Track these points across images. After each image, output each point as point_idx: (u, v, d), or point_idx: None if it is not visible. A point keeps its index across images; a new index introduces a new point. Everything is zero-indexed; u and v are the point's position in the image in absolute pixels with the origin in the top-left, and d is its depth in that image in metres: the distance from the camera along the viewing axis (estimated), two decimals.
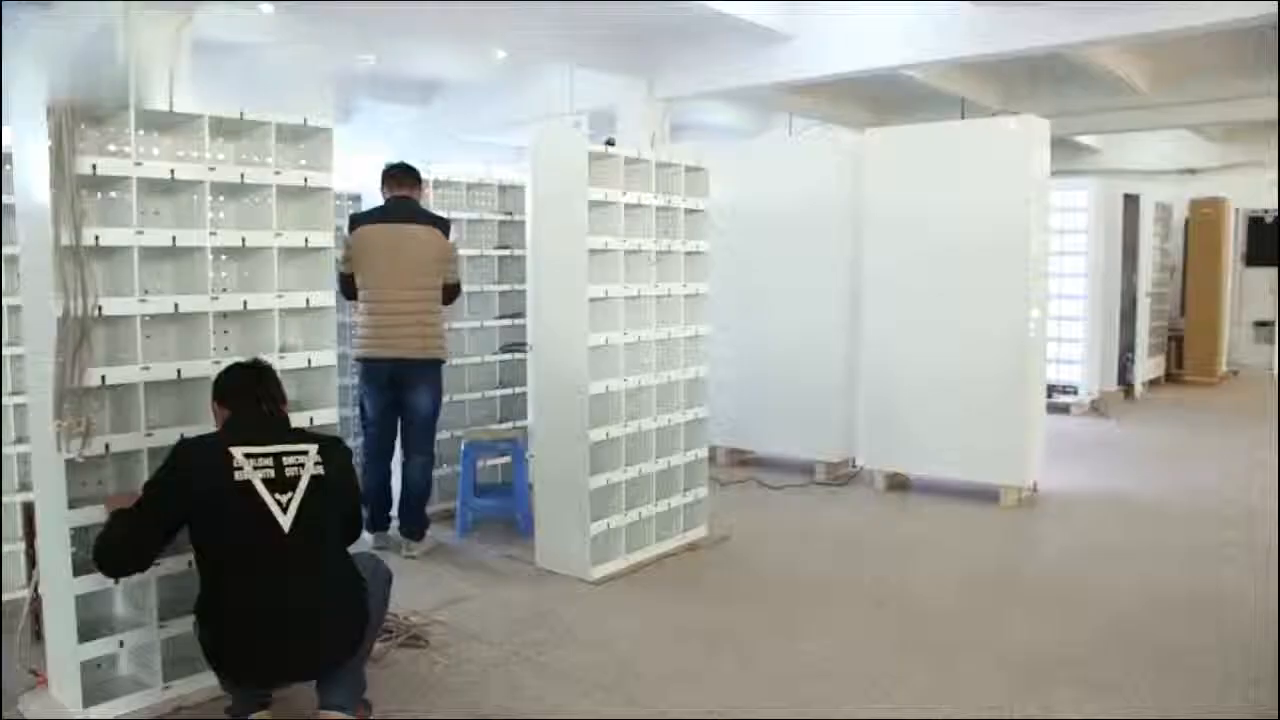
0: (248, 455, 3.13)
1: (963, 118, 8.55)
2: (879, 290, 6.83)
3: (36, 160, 3.28)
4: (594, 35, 9.06)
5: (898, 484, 6.90)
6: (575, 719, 3.49)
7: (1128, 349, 11.03)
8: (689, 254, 5.40)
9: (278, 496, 3.10)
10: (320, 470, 3.22)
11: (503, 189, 6.41)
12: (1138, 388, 11.15)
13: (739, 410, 7.34)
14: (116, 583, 3.43)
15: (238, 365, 3.45)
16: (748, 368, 7.33)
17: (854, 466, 7.32)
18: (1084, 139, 14.07)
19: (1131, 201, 11.01)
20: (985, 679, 3.80)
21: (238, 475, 3.08)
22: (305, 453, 3.23)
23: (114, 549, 3.15)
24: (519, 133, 12.25)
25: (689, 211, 5.39)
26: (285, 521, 3.09)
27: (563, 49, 9.09)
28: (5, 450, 4.80)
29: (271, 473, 3.13)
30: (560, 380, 4.91)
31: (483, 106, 12.00)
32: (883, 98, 11.96)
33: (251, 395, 3.34)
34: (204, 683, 3.47)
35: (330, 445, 3.35)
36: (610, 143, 4.96)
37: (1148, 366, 11.55)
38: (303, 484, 3.16)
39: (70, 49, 7.64)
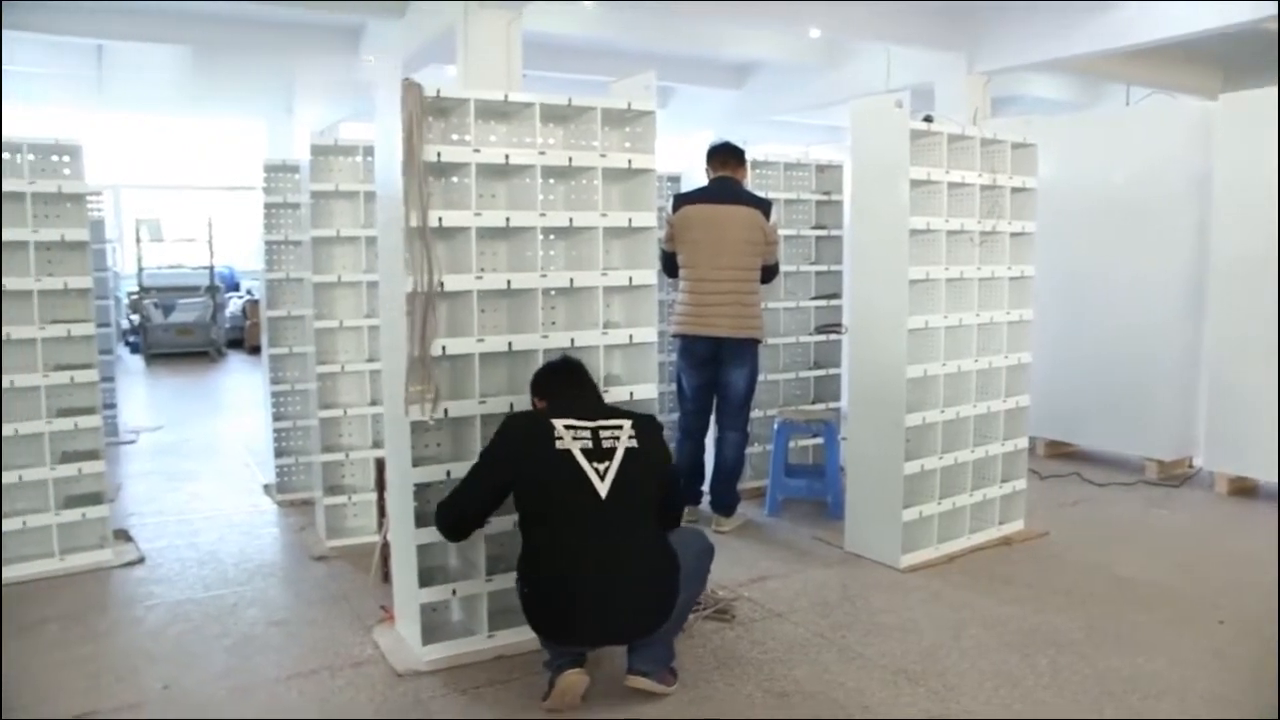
0: (568, 427, 3.31)
1: None
2: (1231, 274, 6.19)
3: (393, 151, 3.59)
4: (911, 10, 8.79)
5: (1242, 489, 6.24)
6: (879, 712, 3.43)
7: None
8: (1015, 235, 5.14)
9: (595, 465, 3.27)
10: (635, 444, 3.35)
11: (820, 169, 6.36)
12: None
13: (1060, 400, 6.93)
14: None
15: (553, 363, 3.67)
16: (1071, 354, 6.90)
17: (1191, 467, 6.72)
18: None
19: None
20: None
21: (558, 444, 3.27)
22: (620, 426, 3.38)
23: (449, 513, 3.46)
24: (833, 112, 12.12)
25: (1015, 190, 5.12)
26: (602, 489, 3.24)
27: (878, 26, 8.89)
28: (362, 410, 5.34)
29: (589, 443, 3.30)
30: (877, 363, 4.82)
31: (796, 86, 11.96)
32: (1238, 59, 10.79)
33: (569, 384, 3.56)
34: (524, 635, 3.67)
35: (644, 421, 3.48)
36: (928, 119, 4.79)
37: None
38: (618, 455, 3.31)
39: (420, 48, 8.35)
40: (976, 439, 5.08)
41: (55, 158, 4.74)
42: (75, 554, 4.79)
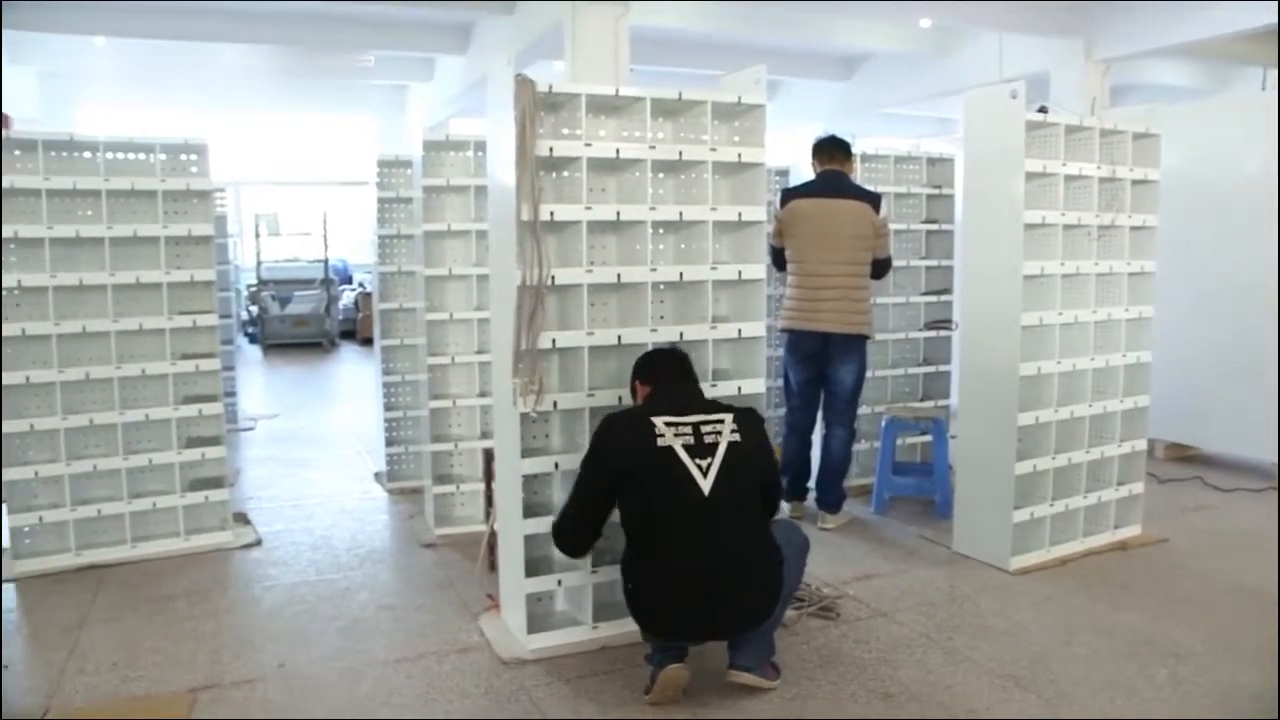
0: (668, 424, 3.31)
1: None
2: None
3: (505, 146, 3.64)
4: None
5: None
6: (987, 716, 3.35)
7: None
8: (1135, 229, 4.97)
9: (698, 461, 3.26)
10: (736, 437, 3.33)
11: (931, 162, 6.26)
12: None
13: (1182, 400, 6.66)
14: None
15: (660, 350, 3.67)
16: (1195, 353, 6.64)
17: None
18: None
19: None
20: None
21: (659, 441, 3.27)
22: (722, 421, 3.36)
23: (566, 528, 3.51)
24: (944, 104, 11.87)
25: (1136, 183, 4.95)
26: (705, 485, 3.23)
27: (992, 14, 8.67)
28: (471, 401, 5.42)
29: (691, 439, 3.29)
30: (989, 360, 4.72)
31: (906, 78, 11.76)
32: None
33: (673, 373, 3.54)
34: (627, 627, 3.69)
35: (745, 414, 3.45)
36: (1043, 110, 4.66)
37: None
38: (721, 450, 3.29)
39: (529, 44, 8.44)
40: (1092, 439, 4.94)
41: (184, 156, 4.94)
42: (198, 535, 5.00)
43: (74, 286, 4.67)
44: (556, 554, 3.98)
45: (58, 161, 4.68)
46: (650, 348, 3.82)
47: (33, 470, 4.69)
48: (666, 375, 3.55)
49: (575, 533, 3.50)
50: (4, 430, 4.62)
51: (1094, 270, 4.84)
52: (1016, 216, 4.51)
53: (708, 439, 3.31)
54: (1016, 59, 9.49)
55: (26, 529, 4.72)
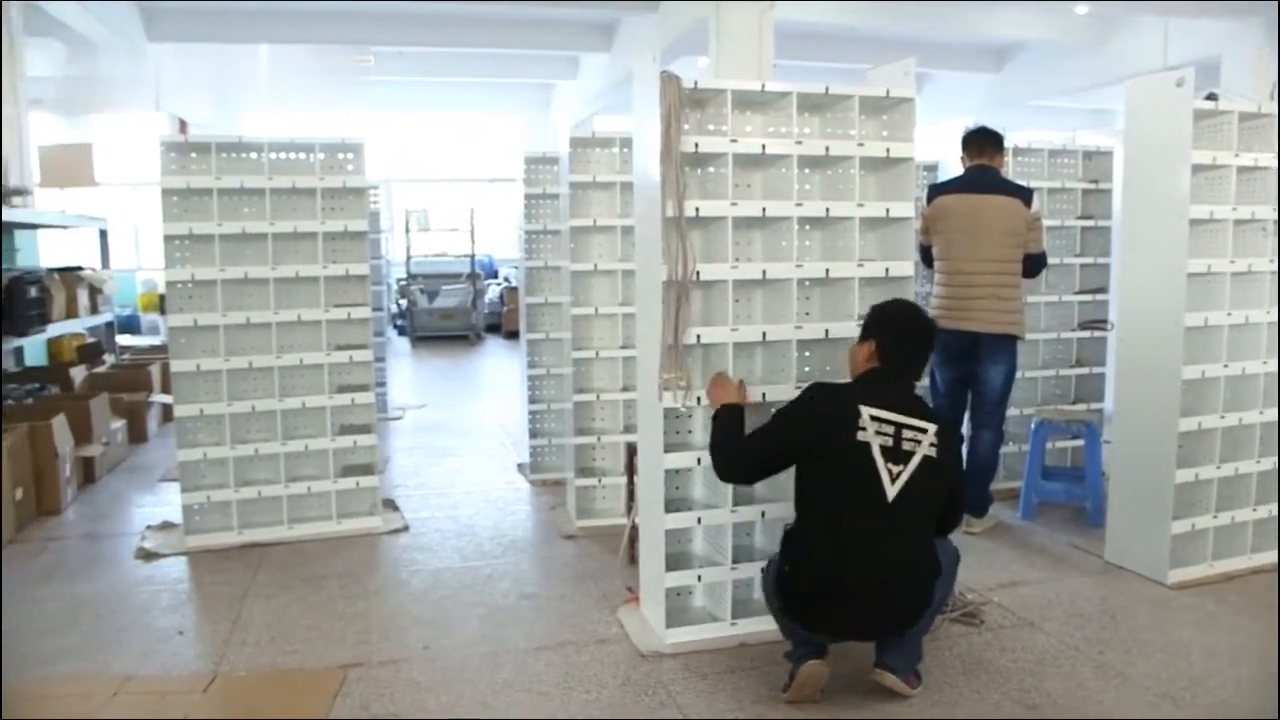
0: (874, 418, 3.24)
1: None
2: None
3: (651, 143, 3.66)
4: None
5: None
6: None
7: None
8: None
9: (890, 466, 3.20)
10: (933, 452, 3.26)
11: (1088, 155, 6.02)
12: None
13: None
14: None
15: (910, 319, 3.48)
16: None
17: None
18: None
19: None
20: None
21: (860, 435, 3.22)
22: (925, 431, 3.27)
23: (729, 455, 3.45)
24: (1100, 94, 11.41)
25: None
26: (891, 491, 3.18)
27: None
28: (615, 395, 5.48)
29: (890, 441, 3.22)
30: (1147, 362, 4.51)
31: (1061, 68, 11.35)
32: None
33: (906, 357, 3.42)
34: (766, 625, 3.66)
35: (947, 429, 3.37)
36: (1211, 97, 4.42)
37: None
38: (915, 460, 3.23)
39: (673, 41, 8.49)
40: (1263, 449, 4.65)
41: (340, 155, 5.15)
42: (349, 519, 5.21)
43: (239, 280, 4.93)
44: (697, 550, 4.02)
45: (227, 162, 4.94)
46: (794, 345, 3.79)
47: (201, 452, 4.98)
48: (895, 359, 3.41)
49: (742, 464, 3.43)
50: (177, 414, 4.94)
51: (1269, 268, 4.57)
52: (1181, 212, 4.29)
53: (905, 445, 3.23)
54: (1182, 45, 9.05)
55: (196, 507, 5.01)
